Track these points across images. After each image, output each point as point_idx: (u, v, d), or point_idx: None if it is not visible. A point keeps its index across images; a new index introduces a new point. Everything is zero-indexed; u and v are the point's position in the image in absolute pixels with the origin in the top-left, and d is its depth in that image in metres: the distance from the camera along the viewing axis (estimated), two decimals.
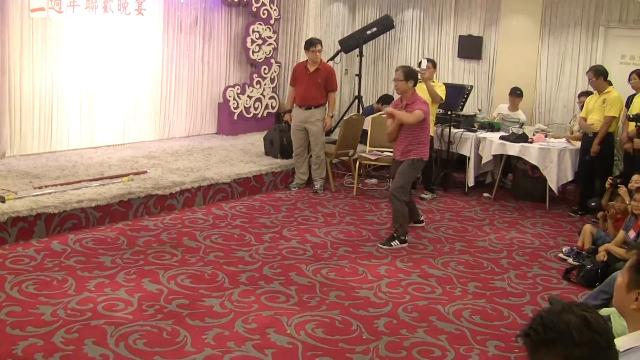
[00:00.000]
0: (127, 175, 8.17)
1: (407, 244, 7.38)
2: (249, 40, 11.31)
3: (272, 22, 11.62)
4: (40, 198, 7.08)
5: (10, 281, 5.83)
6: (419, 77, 9.35)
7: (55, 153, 9.21)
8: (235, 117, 11.31)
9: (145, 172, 8.45)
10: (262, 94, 11.63)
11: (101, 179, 7.98)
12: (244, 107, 11.41)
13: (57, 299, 5.54)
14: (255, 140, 10.76)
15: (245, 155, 9.79)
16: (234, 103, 11.26)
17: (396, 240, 7.32)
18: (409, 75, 7.47)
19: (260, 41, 11.47)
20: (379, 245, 7.30)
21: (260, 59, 11.54)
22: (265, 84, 11.65)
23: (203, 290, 5.91)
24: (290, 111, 9.56)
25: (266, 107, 11.74)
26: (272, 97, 11.80)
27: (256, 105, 11.57)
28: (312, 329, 5.27)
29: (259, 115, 11.63)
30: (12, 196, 6.98)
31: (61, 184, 7.62)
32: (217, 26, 11.18)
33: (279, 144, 9.75)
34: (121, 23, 9.80)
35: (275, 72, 11.80)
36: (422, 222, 8.16)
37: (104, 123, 9.81)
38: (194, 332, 5.10)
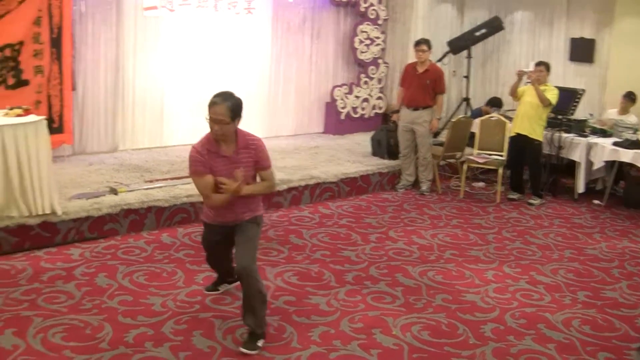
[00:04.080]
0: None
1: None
2: (356, 40, 11.38)
3: (380, 22, 11.65)
4: (150, 191, 7.31)
5: (122, 271, 6.06)
6: (525, 78, 9.17)
7: (166, 148, 9.53)
8: (342, 117, 11.40)
9: None
10: (369, 94, 11.68)
11: None
12: (351, 107, 11.49)
13: (166, 290, 5.72)
14: (362, 140, 10.82)
15: (352, 155, 9.85)
16: (341, 102, 11.36)
17: (261, 339, 4.87)
18: (236, 111, 4.71)
19: (368, 41, 11.52)
20: (242, 349, 4.75)
21: (368, 59, 11.59)
22: (372, 84, 11.70)
23: (309, 287, 5.99)
24: (398, 111, 9.55)
25: (373, 107, 11.79)
26: (379, 98, 11.84)
27: (363, 106, 11.64)
28: (418, 331, 5.28)
29: (366, 116, 11.69)
30: (124, 189, 7.25)
31: (171, 179, 7.84)
32: (325, 26, 11.30)
33: (386, 144, 9.77)
34: (231, 22, 10.06)
35: (383, 72, 11.83)
36: (234, 282, 5.65)
37: None
38: (300, 329, 5.17)
